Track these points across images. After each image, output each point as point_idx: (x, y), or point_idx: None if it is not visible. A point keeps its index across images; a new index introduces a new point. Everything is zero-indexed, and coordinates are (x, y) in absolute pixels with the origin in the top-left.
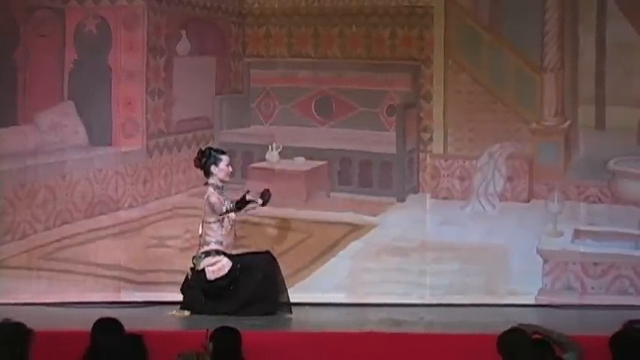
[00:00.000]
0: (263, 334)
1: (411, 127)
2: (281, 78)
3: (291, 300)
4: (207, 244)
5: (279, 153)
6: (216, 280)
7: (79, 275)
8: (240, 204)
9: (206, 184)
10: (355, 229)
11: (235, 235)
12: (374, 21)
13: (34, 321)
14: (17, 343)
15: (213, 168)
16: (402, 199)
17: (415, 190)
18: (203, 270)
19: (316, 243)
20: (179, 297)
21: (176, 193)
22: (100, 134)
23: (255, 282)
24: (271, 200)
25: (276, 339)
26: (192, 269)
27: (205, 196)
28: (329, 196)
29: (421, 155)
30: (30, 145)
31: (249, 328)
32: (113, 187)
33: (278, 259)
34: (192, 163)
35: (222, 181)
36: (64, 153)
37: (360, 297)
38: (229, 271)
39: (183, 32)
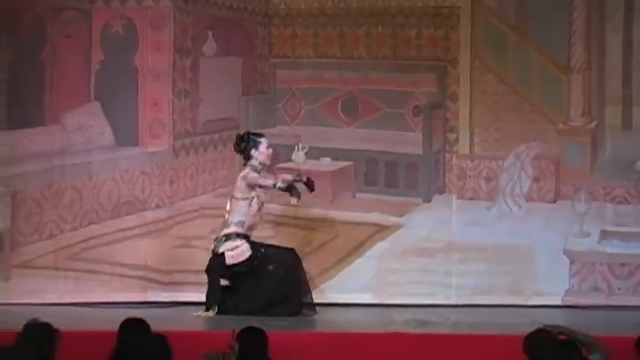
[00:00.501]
0: (289, 335)
1: (437, 128)
2: (307, 78)
3: (317, 300)
4: (228, 225)
5: (306, 153)
6: (234, 265)
7: (106, 275)
8: (290, 187)
9: (245, 165)
10: (381, 230)
11: (261, 217)
12: (400, 21)
13: (60, 321)
14: (44, 343)
15: (253, 152)
16: (428, 200)
17: (441, 191)
18: (223, 254)
19: (342, 243)
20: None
21: (202, 194)
22: (126, 135)
23: (276, 278)
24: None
25: (301, 339)
26: (213, 251)
27: (243, 173)
28: (355, 196)
29: (447, 156)
30: (57, 145)
31: (275, 328)
32: (139, 188)
33: (304, 259)
34: (218, 164)
35: (262, 163)
36: (91, 153)
37: (386, 297)
38: (248, 258)
39: (210, 33)
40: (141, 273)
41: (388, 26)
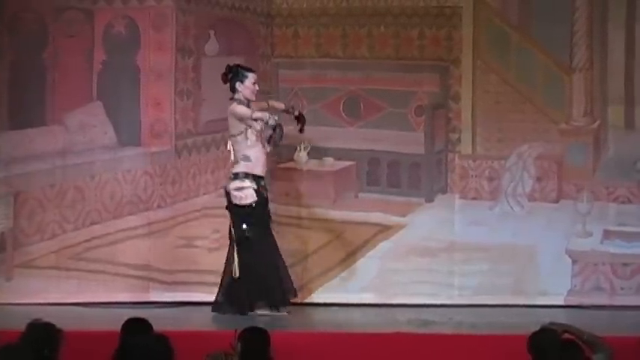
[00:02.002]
0: (291, 334)
1: (440, 128)
2: (309, 78)
3: (320, 301)
4: (237, 162)
5: (308, 153)
6: (238, 205)
7: (108, 275)
8: (277, 127)
9: (231, 99)
10: (384, 230)
11: (265, 147)
12: (402, 21)
13: (63, 321)
14: (47, 344)
15: (238, 85)
16: (430, 200)
17: (444, 191)
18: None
19: (345, 243)
20: (208, 297)
21: (204, 194)
22: (128, 135)
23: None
24: (299, 200)
25: (304, 339)
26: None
27: (230, 108)
28: (357, 196)
29: (450, 156)
30: (59, 145)
31: (278, 328)
32: (142, 188)
33: (307, 259)
34: (221, 164)
35: (246, 98)
36: (93, 153)
37: (389, 297)
38: (251, 205)
39: (212, 33)
40: (143, 273)
41: (390, 26)
